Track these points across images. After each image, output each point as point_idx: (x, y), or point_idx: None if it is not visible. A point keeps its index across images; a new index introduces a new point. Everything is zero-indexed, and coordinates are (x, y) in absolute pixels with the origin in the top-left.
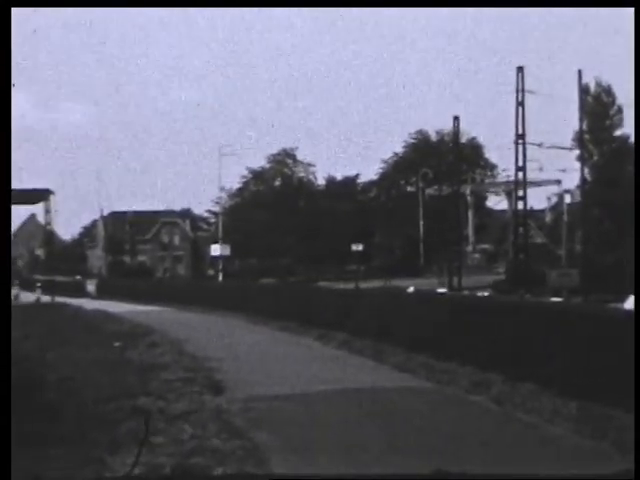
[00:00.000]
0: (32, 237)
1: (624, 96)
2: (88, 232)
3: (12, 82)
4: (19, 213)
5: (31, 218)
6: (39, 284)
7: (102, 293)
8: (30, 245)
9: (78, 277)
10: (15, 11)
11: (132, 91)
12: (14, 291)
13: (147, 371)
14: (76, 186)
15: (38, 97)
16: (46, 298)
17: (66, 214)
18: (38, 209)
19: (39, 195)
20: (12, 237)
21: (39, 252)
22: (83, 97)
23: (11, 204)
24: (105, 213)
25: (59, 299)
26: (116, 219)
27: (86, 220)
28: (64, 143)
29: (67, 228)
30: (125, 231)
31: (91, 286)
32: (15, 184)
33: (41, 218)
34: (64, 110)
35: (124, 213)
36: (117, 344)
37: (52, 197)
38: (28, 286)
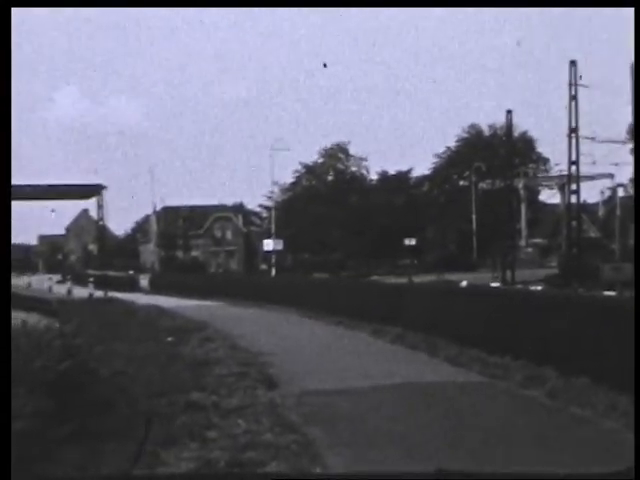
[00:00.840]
0: (84, 232)
1: None
2: (141, 227)
3: (67, 81)
4: (72, 208)
5: (83, 213)
6: (92, 279)
7: (155, 288)
8: (83, 240)
9: (131, 272)
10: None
11: (185, 86)
12: (67, 286)
13: (200, 366)
14: (129, 181)
15: (91, 92)
16: (99, 293)
17: (119, 209)
18: (91, 204)
19: (91, 190)
20: (65, 232)
21: (92, 247)
22: (136, 92)
23: (11, 202)
24: (158, 208)
25: (112, 294)
26: (169, 214)
27: (139, 215)
28: (117, 138)
29: (120, 223)
30: (178, 226)
31: (144, 281)
32: (67, 179)
33: (94, 213)
34: (116, 105)
35: (177, 208)
36: (170, 339)
37: (104, 192)
38: (81, 281)
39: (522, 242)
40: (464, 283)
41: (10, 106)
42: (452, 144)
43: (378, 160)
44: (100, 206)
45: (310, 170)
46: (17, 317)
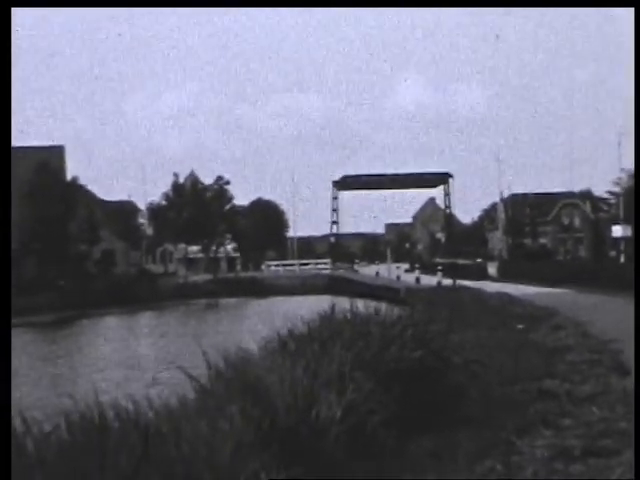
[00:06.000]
0: (431, 220)
1: None
2: (488, 215)
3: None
4: (417, 197)
5: (430, 202)
6: (440, 267)
7: (503, 275)
8: (429, 229)
9: (479, 260)
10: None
11: (533, 70)
12: (415, 274)
13: (551, 353)
14: (476, 169)
15: (436, 81)
16: (447, 281)
17: (466, 197)
18: (437, 192)
19: (438, 179)
20: (412, 220)
21: (439, 235)
22: (481, 78)
23: (11, 198)
24: (505, 195)
25: (460, 282)
26: (516, 201)
27: (486, 203)
28: (462, 125)
29: (466, 211)
30: (525, 213)
31: (492, 269)
32: (415, 168)
33: (440, 201)
34: (461, 92)
35: (524, 195)
36: (520, 326)
37: (451, 180)
38: (428, 269)
39: None
40: None
41: (10, 104)
42: None
43: None
44: (447, 194)
45: None
46: (368, 306)
